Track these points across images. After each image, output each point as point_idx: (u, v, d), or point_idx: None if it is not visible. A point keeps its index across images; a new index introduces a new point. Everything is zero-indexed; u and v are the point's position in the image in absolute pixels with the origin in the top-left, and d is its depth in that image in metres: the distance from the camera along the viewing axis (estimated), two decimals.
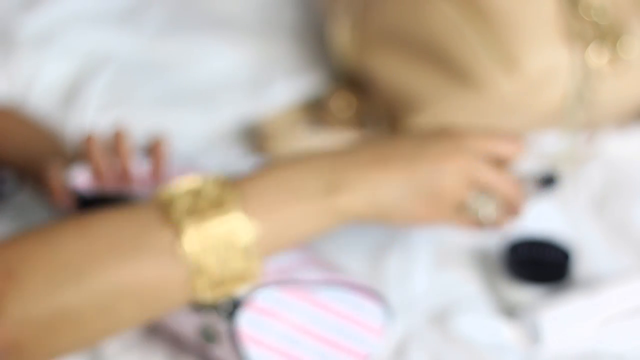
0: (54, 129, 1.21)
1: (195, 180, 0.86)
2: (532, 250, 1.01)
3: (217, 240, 0.82)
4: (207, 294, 0.83)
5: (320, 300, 0.88)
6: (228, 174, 0.89)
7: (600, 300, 0.96)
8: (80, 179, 0.98)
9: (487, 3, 1.17)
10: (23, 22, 1.44)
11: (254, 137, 1.24)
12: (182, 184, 0.85)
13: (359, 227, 1.10)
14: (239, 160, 1.21)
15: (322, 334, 0.89)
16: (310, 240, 0.89)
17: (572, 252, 1.00)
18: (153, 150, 1.01)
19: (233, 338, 0.85)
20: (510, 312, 0.99)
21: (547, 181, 1.03)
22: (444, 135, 0.93)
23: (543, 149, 1.22)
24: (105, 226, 0.82)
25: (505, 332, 0.97)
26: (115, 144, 1.01)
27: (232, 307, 0.85)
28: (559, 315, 0.95)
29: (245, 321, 0.85)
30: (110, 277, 0.80)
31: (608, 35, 1.16)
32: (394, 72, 1.22)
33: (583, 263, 1.05)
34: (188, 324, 0.90)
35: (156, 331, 0.96)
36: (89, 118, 1.28)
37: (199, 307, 0.87)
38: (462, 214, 0.92)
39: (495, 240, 1.05)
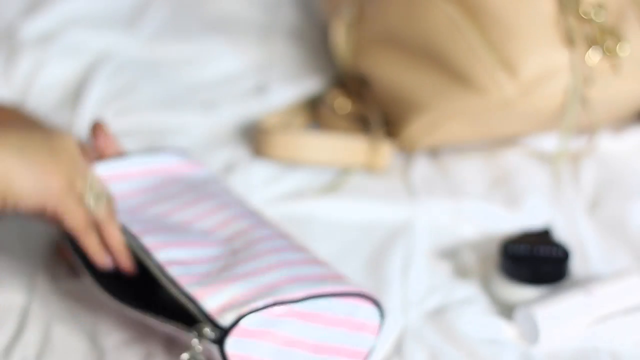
0: (57, 127, 1.21)
1: None
2: (528, 250, 1.00)
3: None
4: None
5: (309, 312, 0.87)
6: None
7: (595, 298, 0.96)
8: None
9: (485, 4, 1.17)
10: (26, 23, 1.44)
11: (254, 137, 1.24)
12: None
13: (358, 227, 1.11)
14: (239, 161, 1.21)
15: (317, 342, 0.88)
16: None
17: (569, 252, 1.00)
18: (95, 130, 1.01)
19: None
20: (506, 311, 0.99)
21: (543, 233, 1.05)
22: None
23: (542, 149, 1.22)
24: None
25: (503, 329, 0.97)
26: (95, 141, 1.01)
27: (219, 336, 0.84)
28: (554, 312, 0.95)
29: (233, 346, 0.84)
30: None
31: (607, 35, 1.16)
32: (392, 74, 1.22)
33: (579, 262, 1.05)
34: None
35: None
36: (89, 118, 1.27)
37: (182, 328, 0.87)
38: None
39: (495, 239, 1.06)
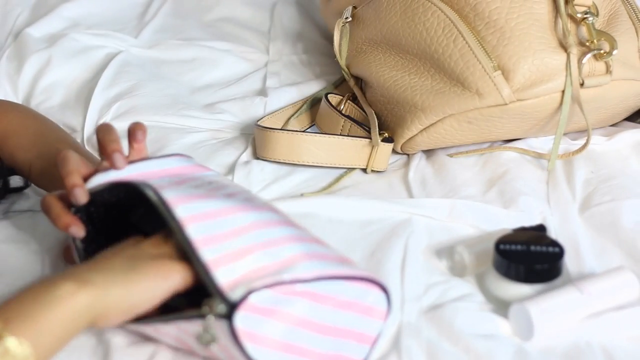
0: (64, 126, 1.21)
1: None
2: (522, 248, 1.00)
3: None
4: None
5: (319, 293, 0.87)
6: None
7: (589, 294, 0.97)
8: (97, 180, 0.96)
9: (481, 9, 1.18)
10: (32, 26, 1.44)
11: (255, 137, 1.24)
12: None
13: (358, 225, 1.11)
14: (240, 161, 1.22)
15: (326, 324, 0.88)
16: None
17: (563, 250, 1.00)
18: (135, 131, 1.00)
19: (232, 338, 0.84)
20: (501, 308, 0.99)
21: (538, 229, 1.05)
22: None
23: (536, 150, 1.23)
24: None
25: (498, 325, 0.97)
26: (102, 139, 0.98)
27: (229, 310, 0.84)
28: (548, 308, 0.95)
29: (242, 321, 0.84)
30: None
31: (600, 38, 1.17)
32: (390, 76, 1.23)
33: (572, 260, 1.05)
34: (177, 332, 0.89)
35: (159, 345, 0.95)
36: (94, 119, 1.28)
37: (192, 315, 0.86)
38: None
39: (490, 237, 1.05)
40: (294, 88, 1.35)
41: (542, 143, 1.24)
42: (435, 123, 1.19)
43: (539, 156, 1.22)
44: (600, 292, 0.98)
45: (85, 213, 0.96)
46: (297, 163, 1.21)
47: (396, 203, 1.14)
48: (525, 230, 1.05)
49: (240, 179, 1.18)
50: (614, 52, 1.16)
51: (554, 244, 1.01)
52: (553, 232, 1.10)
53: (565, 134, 1.24)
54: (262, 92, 1.36)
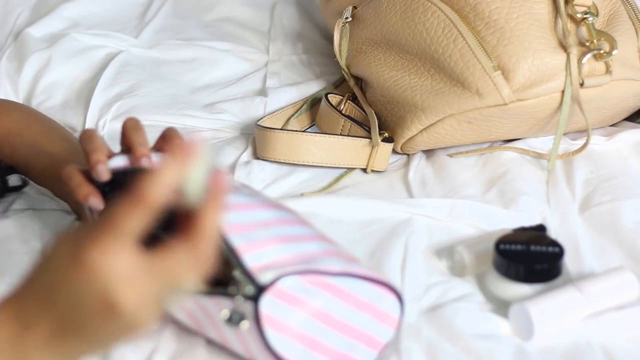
0: (65, 126, 1.21)
1: None
2: (522, 248, 1.00)
3: None
4: None
5: (342, 289, 0.88)
6: None
7: (589, 294, 0.97)
8: (118, 162, 0.97)
9: (481, 9, 1.18)
10: (32, 26, 1.44)
11: (255, 137, 1.24)
12: None
13: (358, 225, 1.11)
14: (241, 161, 1.22)
15: (344, 321, 0.88)
16: None
17: (563, 250, 1.00)
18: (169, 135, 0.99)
19: (256, 322, 0.85)
20: (501, 309, 0.99)
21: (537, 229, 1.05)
22: None
23: (537, 150, 1.23)
24: None
25: (498, 325, 0.97)
26: (127, 135, 0.98)
27: (256, 292, 0.84)
28: (548, 308, 0.95)
29: (267, 305, 0.85)
30: None
31: (600, 38, 1.17)
32: (390, 76, 1.23)
33: (572, 260, 1.05)
34: (193, 306, 0.89)
35: (167, 320, 0.95)
36: (94, 119, 1.29)
37: (221, 292, 0.86)
38: None
39: (490, 237, 1.05)
40: (294, 88, 1.35)
41: (542, 143, 1.24)
42: (435, 123, 1.19)
43: (539, 156, 1.22)
44: (600, 292, 0.98)
45: (102, 193, 0.96)
46: (297, 163, 1.21)
47: (396, 203, 1.14)
48: (525, 230, 1.06)
49: (240, 178, 1.18)
50: (614, 52, 1.17)
51: (554, 244, 1.01)
52: (553, 232, 1.10)
53: (565, 134, 1.24)
54: (262, 92, 1.36)
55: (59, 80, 1.36)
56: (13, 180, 1.14)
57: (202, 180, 0.71)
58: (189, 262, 0.70)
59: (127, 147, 0.98)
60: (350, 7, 1.32)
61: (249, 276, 0.85)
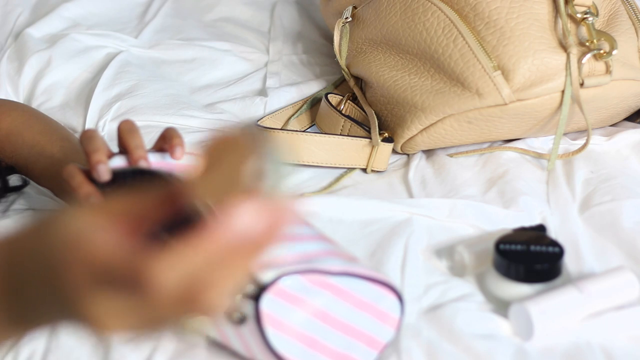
0: (65, 126, 1.21)
1: None
2: (522, 248, 1.00)
3: None
4: None
5: (342, 288, 0.88)
6: None
7: (589, 294, 0.97)
8: (118, 162, 0.97)
9: (481, 9, 1.18)
10: (32, 26, 1.44)
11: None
12: None
13: (358, 225, 1.11)
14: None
15: (344, 321, 0.88)
16: None
17: (563, 250, 1.00)
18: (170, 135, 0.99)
19: (256, 321, 0.85)
20: (501, 309, 0.99)
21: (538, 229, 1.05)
22: None
23: (537, 150, 1.23)
24: None
25: (498, 325, 0.97)
26: (123, 138, 0.99)
27: (257, 291, 0.84)
28: (548, 308, 0.95)
29: (268, 304, 0.84)
30: None
31: (599, 37, 1.17)
32: (390, 76, 1.23)
33: (572, 260, 1.05)
34: None
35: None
36: (94, 120, 1.28)
37: None
38: None
39: (490, 237, 1.05)
40: (294, 88, 1.35)
41: (542, 143, 1.24)
42: (435, 123, 1.19)
43: (539, 156, 1.22)
44: (600, 292, 0.98)
45: (102, 193, 0.96)
46: (297, 163, 1.21)
47: (396, 203, 1.14)
48: (525, 230, 1.06)
49: None
50: (614, 52, 1.17)
51: (554, 244, 1.01)
52: (553, 232, 1.10)
53: (565, 134, 1.24)
54: (262, 92, 1.36)
55: (59, 81, 1.36)
56: (13, 180, 1.14)
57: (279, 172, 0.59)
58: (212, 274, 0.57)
59: (124, 149, 0.98)
60: (350, 7, 1.32)
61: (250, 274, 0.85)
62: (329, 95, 1.28)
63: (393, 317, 0.91)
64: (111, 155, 0.97)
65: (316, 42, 1.49)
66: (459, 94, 1.17)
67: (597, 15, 1.19)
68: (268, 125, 1.26)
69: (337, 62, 1.32)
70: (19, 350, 0.94)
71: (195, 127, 1.28)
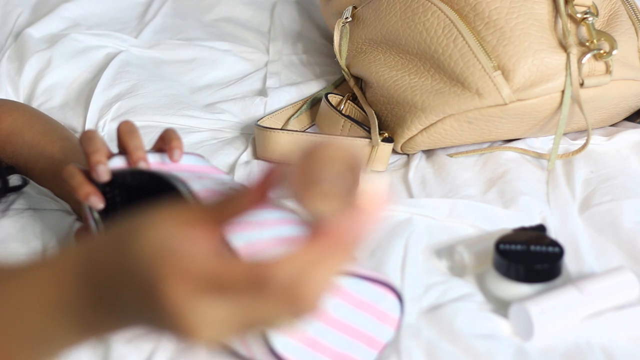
0: (66, 126, 1.21)
1: None
2: (522, 248, 1.00)
3: None
4: None
5: (342, 288, 0.88)
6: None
7: (589, 294, 0.97)
8: (117, 163, 0.97)
9: (481, 9, 1.18)
10: (32, 26, 1.44)
11: (255, 138, 1.24)
12: None
13: None
14: (241, 161, 1.22)
15: (343, 321, 0.88)
16: None
17: (563, 250, 1.00)
18: (166, 138, 0.99)
19: None
20: (501, 309, 0.99)
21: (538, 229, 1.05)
22: None
23: (537, 150, 1.23)
24: None
25: (498, 325, 0.97)
26: (122, 139, 0.98)
27: None
28: (548, 308, 0.95)
29: None
30: None
31: (599, 38, 1.17)
32: (390, 76, 1.23)
33: (572, 260, 1.05)
34: None
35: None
36: (94, 120, 1.28)
37: None
38: None
39: (490, 237, 1.05)
40: (294, 88, 1.35)
41: (542, 143, 1.24)
42: (435, 123, 1.19)
43: (539, 156, 1.22)
44: (600, 292, 0.98)
45: (102, 194, 0.96)
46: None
47: (396, 203, 1.14)
48: (525, 230, 1.06)
49: (240, 179, 1.18)
50: (614, 52, 1.17)
51: (554, 244, 1.01)
52: (553, 232, 1.10)
53: (565, 134, 1.24)
54: (262, 92, 1.36)
55: (59, 81, 1.36)
56: (13, 180, 1.14)
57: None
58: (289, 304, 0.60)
59: (123, 150, 0.98)
60: (350, 7, 1.32)
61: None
62: (329, 95, 1.28)
63: (393, 317, 0.91)
64: (111, 155, 0.97)
65: (316, 42, 1.49)
66: (459, 94, 1.17)
67: (597, 15, 1.19)
68: (268, 125, 1.26)
69: (337, 62, 1.32)
70: None
71: (195, 127, 1.28)
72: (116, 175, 0.96)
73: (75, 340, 0.65)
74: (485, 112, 1.17)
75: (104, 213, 0.96)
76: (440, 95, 1.18)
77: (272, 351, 0.86)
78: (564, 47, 1.17)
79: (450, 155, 1.23)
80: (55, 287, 0.63)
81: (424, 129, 1.20)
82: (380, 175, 0.62)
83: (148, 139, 1.03)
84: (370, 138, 1.21)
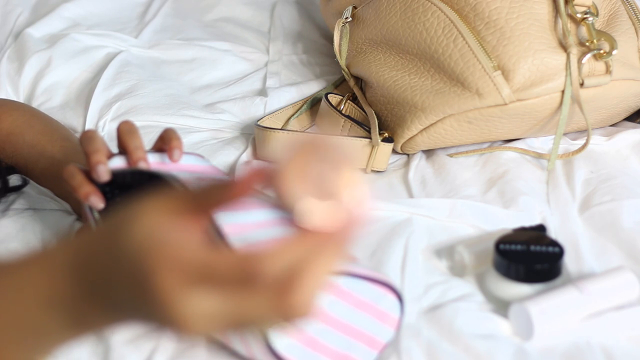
0: (66, 126, 1.21)
1: None
2: (522, 248, 1.00)
3: None
4: None
5: (342, 288, 0.88)
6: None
7: (589, 294, 0.97)
8: (117, 163, 0.97)
9: (481, 9, 1.18)
10: (32, 26, 1.45)
11: (255, 138, 1.24)
12: None
13: None
14: (241, 162, 1.22)
15: (343, 321, 0.88)
16: None
17: (563, 250, 1.00)
18: (166, 138, 1.00)
19: None
20: (501, 309, 0.99)
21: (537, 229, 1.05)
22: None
23: (537, 150, 1.23)
24: None
25: (498, 325, 0.97)
26: (122, 139, 0.99)
27: None
28: (548, 308, 0.95)
29: None
30: None
31: (599, 38, 1.17)
32: (391, 76, 1.23)
33: (572, 260, 1.05)
34: None
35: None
36: (94, 120, 1.28)
37: None
38: None
39: (490, 237, 1.05)
40: (294, 88, 1.35)
41: (542, 143, 1.24)
42: (435, 123, 1.19)
43: (539, 156, 1.22)
44: (600, 292, 0.98)
45: (102, 194, 0.96)
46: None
47: (396, 203, 1.14)
48: (525, 230, 1.06)
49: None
50: (614, 52, 1.17)
51: (554, 244, 1.01)
52: (553, 232, 1.10)
53: (565, 134, 1.24)
54: (262, 92, 1.36)
55: (59, 81, 1.36)
56: (13, 180, 1.14)
57: None
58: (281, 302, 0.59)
59: (123, 150, 0.98)
60: (350, 7, 1.32)
61: None
62: (329, 95, 1.28)
63: (393, 317, 0.91)
64: (111, 155, 0.97)
65: (316, 42, 1.49)
66: (459, 94, 1.17)
67: (597, 15, 1.19)
68: (268, 125, 1.26)
69: (337, 62, 1.32)
70: None
71: (195, 127, 1.28)
72: (116, 175, 0.96)
73: (69, 335, 0.65)
74: (485, 112, 1.17)
75: (104, 213, 0.96)
76: (440, 95, 1.18)
77: (272, 351, 0.86)
78: (564, 47, 1.17)
79: (450, 155, 1.23)
80: (47, 282, 0.64)
81: (424, 129, 1.20)
82: (361, 174, 0.62)
83: (148, 139, 1.03)
84: (370, 138, 1.21)
